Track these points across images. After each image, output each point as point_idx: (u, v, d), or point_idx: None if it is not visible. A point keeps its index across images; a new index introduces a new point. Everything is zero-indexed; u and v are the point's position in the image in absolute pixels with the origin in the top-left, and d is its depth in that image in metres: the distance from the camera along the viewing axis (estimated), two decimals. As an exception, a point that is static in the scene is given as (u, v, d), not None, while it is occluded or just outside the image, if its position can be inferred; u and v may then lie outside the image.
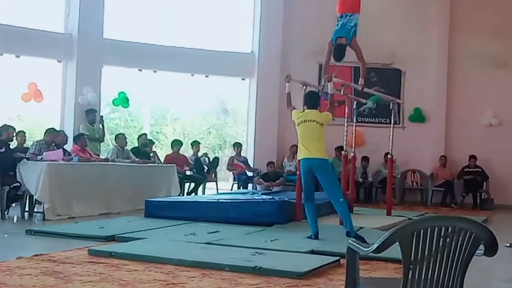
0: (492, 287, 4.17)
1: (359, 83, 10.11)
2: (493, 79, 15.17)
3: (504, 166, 14.65)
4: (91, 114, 13.20)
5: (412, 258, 3.13)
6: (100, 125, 13.51)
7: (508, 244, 8.87)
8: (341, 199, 8.19)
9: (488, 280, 5.69)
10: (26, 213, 9.92)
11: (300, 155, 8.32)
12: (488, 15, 15.22)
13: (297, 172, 10.12)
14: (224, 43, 15.68)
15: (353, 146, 12.01)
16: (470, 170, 15.10)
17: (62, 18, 14.06)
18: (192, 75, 15.74)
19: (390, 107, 12.35)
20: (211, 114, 21.92)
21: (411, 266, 3.14)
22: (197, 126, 22.35)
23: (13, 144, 10.70)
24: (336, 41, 9.44)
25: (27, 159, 9.98)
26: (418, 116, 15.57)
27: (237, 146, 15.47)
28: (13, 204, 10.12)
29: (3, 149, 9.96)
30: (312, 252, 7.00)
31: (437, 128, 15.65)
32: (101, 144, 13.45)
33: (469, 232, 3.15)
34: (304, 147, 8.16)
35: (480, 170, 15.05)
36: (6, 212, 9.73)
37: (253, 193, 12.25)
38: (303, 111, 8.48)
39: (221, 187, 14.98)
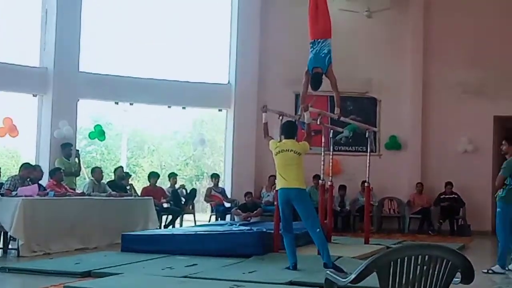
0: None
1: (335, 112, 10.17)
2: (467, 106, 15.33)
3: (480, 192, 14.75)
4: (67, 148, 13.10)
5: (390, 286, 3.12)
6: (76, 159, 13.40)
7: (485, 270, 8.89)
8: (318, 230, 8.15)
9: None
10: (0, 250, 9.78)
11: (278, 185, 8.32)
12: (462, 44, 15.44)
13: (275, 203, 10.12)
14: (200, 74, 15.70)
15: (330, 174, 12.01)
16: (447, 196, 15.16)
17: (38, 52, 14.01)
18: (169, 107, 15.73)
19: (366, 136, 12.42)
20: (189, 145, 21.91)
21: (389, 297, 3.13)
22: (175, 158, 22.35)
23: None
24: (312, 70, 9.51)
25: (2, 195, 9.88)
26: (394, 144, 15.64)
27: (215, 177, 15.46)
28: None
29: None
30: (291, 283, 6.97)
31: (413, 156, 15.72)
32: (77, 178, 13.33)
33: (446, 260, 3.15)
34: (282, 177, 8.15)
35: (456, 196, 15.12)
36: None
37: (231, 224, 12.24)
38: (280, 141, 8.47)
39: (199, 219, 14.93)
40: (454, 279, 3.20)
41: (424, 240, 13.23)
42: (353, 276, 3.30)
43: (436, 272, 3.14)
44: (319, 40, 9.65)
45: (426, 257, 3.13)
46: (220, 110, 16.28)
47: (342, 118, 10.70)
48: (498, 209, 9.17)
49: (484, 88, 15.13)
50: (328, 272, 3.68)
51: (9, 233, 9.57)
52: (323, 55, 9.55)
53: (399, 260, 3.11)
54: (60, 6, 13.86)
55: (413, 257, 3.12)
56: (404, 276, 3.11)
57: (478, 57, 15.20)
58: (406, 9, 15.89)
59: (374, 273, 3.13)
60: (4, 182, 10.78)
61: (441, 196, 15.23)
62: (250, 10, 15.65)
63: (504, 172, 8.89)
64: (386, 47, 15.80)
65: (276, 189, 8.61)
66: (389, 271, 3.10)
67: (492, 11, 15.29)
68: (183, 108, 15.99)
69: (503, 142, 9.44)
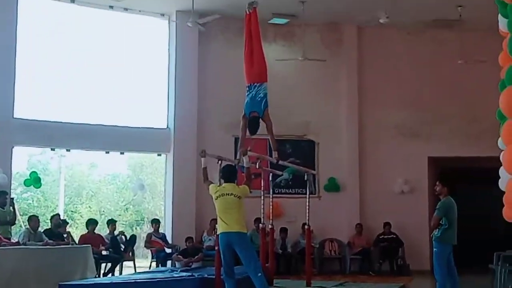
0: None
1: (273, 156, 10.23)
2: (403, 148, 15.64)
3: (418, 231, 14.98)
4: (1, 196, 12.74)
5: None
6: (11, 207, 13.04)
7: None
8: (260, 274, 8.15)
9: None
10: None
11: (219, 229, 8.30)
12: (396, 87, 15.83)
13: (216, 247, 10.06)
14: (138, 119, 15.64)
15: (271, 217, 12.01)
16: (385, 237, 15.33)
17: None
18: (107, 152, 15.55)
19: (305, 178, 12.52)
20: (128, 190, 21.70)
21: None
22: (114, 203, 22.08)
23: None
24: (249, 114, 9.55)
25: None
26: (333, 186, 15.77)
27: (155, 222, 15.29)
28: None
29: None
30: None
31: (351, 197, 15.89)
32: (13, 226, 12.96)
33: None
34: (222, 221, 8.14)
35: (395, 236, 15.30)
36: None
37: (172, 271, 12.02)
38: (220, 184, 8.47)
39: (140, 265, 14.69)
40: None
41: (365, 280, 13.29)
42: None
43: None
44: (255, 84, 9.67)
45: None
46: (159, 155, 16.24)
47: (281, 162, 10.75)
48: (434, 249, 9.32)
49: (417, 130, 15.49)
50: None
51: None
52: (259, 99, 9.57)
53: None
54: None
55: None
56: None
57: (411, 100, 15.60)
58: (341, 54, 16.24)
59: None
60: None
61: (380, 236, 15.40)
62: (187, 55, 15.72)
63: (438, 212, 9.09)
64: (322, 91, 16.07)
65: (217, 233, 8.57)
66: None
67: (422, 58, 15.77)
68: (121, 153, 15.88)
69: (437, 183, 9.65)
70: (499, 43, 5.60)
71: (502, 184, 4.99)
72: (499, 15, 5.26)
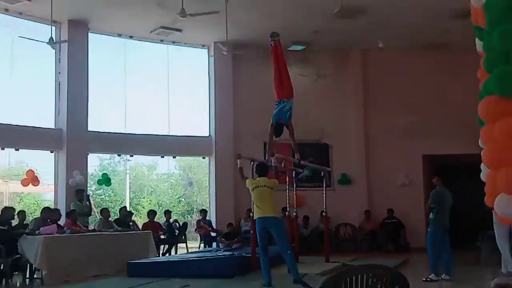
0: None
1: (295, 157, 10.27)
2: (402, 147, 15.49)
3: (415, 216, 14.78)
4: (80, 193, 13.05)
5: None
6: (88, 202, 13.31)
7: (424, 278, 8.97)
8: (289, 252, 8.21)
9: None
10: (27, 280, 9.65)
11: (256, 215, 8.36)
12: (395, 96, 15.72)
13: (251, 231, 10.12)
14: (187, 129, 15.79)
15: (295, 207, 12.08)
16: (389, 221, 15.32)
17: (53, 115, 13.99)
18: (162, 156, 15.75)
19: (322, 174, 12.56)
20: (180, 186, 21.83)
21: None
22: (169, 197, 22.21)
23: (14, 222, 10.46)
24: (276, 122, 9.67)
25: (27, 234, 9.80)
26: (345, 180, 15.73)
27: (203, 211, 15.44)
28: (16, 273, 9.80)
29: (6, 227, 9.82)
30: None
31: (360, 189, 15.83)
32: (89, 217, 13.18)
33: (387, 277, 3.18)
34: (259, 208, 8.22)
35: (397, 220, 15.28)
36: (9, 280, 9.47)
37: (217, 251, 12.16)
38: (255, 179, 8.56)
39: (191, 247, 14.77)
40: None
41: (373, 257, 13.26)
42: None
43: (379, 287, 3.17)
44: (283, 100, 9.83)
45: (371, 274, 3.16)
46: (203, 158, 16.36)
47: (302, 161, 10.79)
48: (428, 229, 9.34)
49: (413, 133, 15.36)
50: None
51: (34, 265, 9.49)
52: (285, 111, 9.72)
53: (348, 279, 3.14)
54: (71, 79, 13.91)
55: (359, 275, 3.15)
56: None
57: (407, 108, 15.45)
58: (348, 73, 16.24)
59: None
60: (29, 223, 10.73)
61: (385, 221, 15.39)
62: (224, 77, 15.82)
63: (430, 200, 9.17)
64: (334, 103, 16.06)
65: (254, 218, 8.60)
66: (341, 287, 3.13)
67: (417, 70, 15.65)
68: (174, 157, 16.08)
69: (435, 177, 9.70)
70: (477, 61, 5.58)
71: (483, 176, 4.97)
72: (476, 38, 5.25)
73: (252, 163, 9.83)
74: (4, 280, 9.40)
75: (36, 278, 9.58)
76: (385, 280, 3.21)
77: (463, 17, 11.80)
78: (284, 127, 9.73)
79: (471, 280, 8.80)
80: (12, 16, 13.20)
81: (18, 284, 9.44)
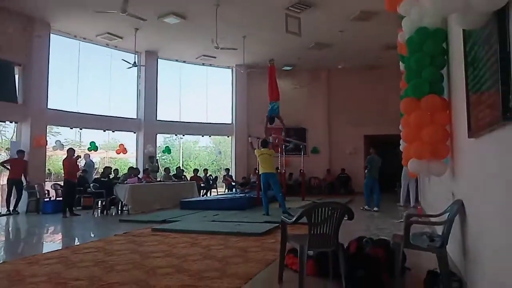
0: (354, 233, 4.19)
1: (282, 135, 10.33)
2: (351, 130, 15.39)
3: (358, 173, 14.74)
4: (151, 158, 13.11)
5: (312, 223, 3.14)
6: (156, 163, 13.37)
7: (362, 208, 9.04)
8: (281, 194, 8.22)
9: (353, 230, 5.70)
10: (119, 211, 9.78)
11: (261, 171, 8.34)
12: (347, 100, 15.60)
13: (256, 182, 10.14)
14: (218, 118, 15.70)
15: (284, 166, 12.08)
16: (342, 175, 15.26)
17: (135, 110, 13.99)
18: (202, 135, 15.76)
19: (301, 147, 12.51)
20: (213, 154, 21.86)
21: (312, 227, 3.15)
22: (206, 160, 22.29)
23: (111, 176, 10.58)
24: (270, 115, 9.74)
25: (119, 183, 9.91)
26: (315, 150, 15.63)
27: (227, 170, 15.44)
28: (113, 207, 9.93)
29: (107, 179, 9.90)
30: (266, 222, 6.98)
31: (324, 156, 15.74)
32: (157, 173, 13.28)
33: (339, 209, 3.18)
34: (263, 167, 8.23)
35: (347, 175, 15.22)
36: (108, 210, 9.60)
37: (235, 193, 12.23)
38: (260, 149, 8.54)
39: (220, 191, 14.86)
40: (344, 218, 3.23)
41: (332, 197, 13.18)
42: (294, 219, 3.32)
43: (335, 215, 3.17)
44: (273, 101, 9.90)
45: (331, 207, 3.16)
46: (228, 136, 16.30)
47: (288, 138, 10.80)
48: (365, 180, 9.41)
49: (358, 121, 15.27)
50: (282, 216, 3.70)
51: (123, 202, 9.59)
52: (275, 108, 9.90)
53: (317, 209, 3.14)
54: (147, 88, 13.88)
55: (324, 208, 3.15)
56: (319, 217, 3.14)
57: (355, 107, 15.35)
58: (319, 84, 16.04)
59: (304, 216, 3.16)
60: (120, 176, 10.80)
61: (339, 175, 15.31)
62: (241, 87, 15.76)
63: (366, 162, 9.33)
64: (309, 102, 15.89)
65: (259, 173, 8.57)
66: (312, 215, 3.13)
67: (361, 82, 15.41)
68: (209, 136, 16.06)
69: (371, 148, 9.68)
70: (400, 75, 5.49)
71: (401, 148, 4.92)
72: (400, 62, 5.16)
73: (258, 139, 9.81)
74: (105, 210, 9.53)
75: (124, 210, 9.73)
76: (339, 211, 3.20)
77: (391, 48, 11.65)
78: (276, 118, 9.82)
79: (391, 211, 8.80)
80: (110, 48, 13.13)
81: (114, 214, 9.55)
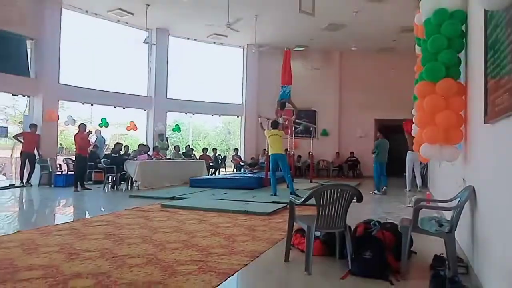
0: (361, 215, 4.20)
1: (293, 117, 10.24)
2: (362, 113, 15.27)
3: (366, 156, 14.57)
4: (161, 136, 13.14)
5: (320, 204, 3.14)
6: (166, 141, 13.42)
7: (371, 192, 9.02)
8: (289, 175, 8.24)
9: (360, 213, 5.71)
10: (129, 187, 9.89)
11: (270, 152, 8.33)
12: (358, 82, 15.40)
13: (265, 163, 10.16)
14: (228, 98, 15.62)
15: (293, 148, 12.06)
16: (351, 158, 15.19)
17: (146, 88, 13.97)
18: (212, 115, 15.71)
19: (311, 129, 12.44)
20: (222, 134, 21.90)
21: (320, 208, 3.15)
22: (216, 140, 22.34)
23: (122, 152, 10.70)
24: (281, 99, 9.67)
25: (130, 159, 9.99)
26: (325, 133, 15.57)
27: (236, 150, 15.48)
28: (123, 182, 10.05)
29: (117, 155, 9.98)
30: (273, 202, 7.02)
31: (334, 139, 15.66)
32: (167, 151, 13.37)
33: (349, 191, 3.17)
34: (272, 148, 8.22)
35: (355, 158, 15.16)
36: (119, 186, 9.74)
37: (244, 173, 12.29)
38: (270, 130, 8.49)
39: (228, 171, 14.95)
40: (353, 200, 3.23)
41: (340, 180, 13.26)
42: (302, 199, 3.33)
43: (344, 197, 3.17)
44: (285, 85, 9.81)
45: (340, 189, 3.16)
46: (238, 117, 16.24)
47: (298, 120, 10.73)
48: (374, 164, 9.35)
49: (369, 105, 15.11)
50: (291, 197, 3.71)
51: (133, 178, 9.69)
52: (286, 93, 9.77)
53: (325, 191, 3.13)
54: (158, 66, 13.82)
55: (333, 189, 3.14)
56: (328, 199, 3.14)
57: (366, 89, 15.16)
58: (331, 66, 15.80)
59: (313, 197, 3.16)
60: (131, 152, 10.89)
61: (348, 158, 15.25)
62: (252, 66, 15.57)
63: (374, 146, 9.16)
64: (320, 84, 15.69)
65: (269, 154, 8.56)
66: (320, 197, 3.13)
67: (373, 65, 15.19)
68: (219, 115, 16.00)
69: (378, 132, 9.59)
70: (415, 59, 5.36)
71: (414, 133, 4.86)
72: (416, 45, 5.03)
73: (268, 120, 9.77)
74: (115, 186, 9.66)
75: (134, 186, 9.85)
76: (348, 193, 3.20)
77: (407, 31, 11.36)
78: (287, 103, 9.77)
79: (399, 196, 8.79)
80: (121, 24, 13.02)
81: (123, 189, 9.69)
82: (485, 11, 2.67)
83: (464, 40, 3.52)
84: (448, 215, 3.46)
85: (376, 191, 9.07)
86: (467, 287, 2.59)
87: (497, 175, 2.44)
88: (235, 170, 14.81)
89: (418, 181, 9.62)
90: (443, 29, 3.41)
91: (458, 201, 3.11)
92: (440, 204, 4.02)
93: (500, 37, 2.38)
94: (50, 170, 10.18)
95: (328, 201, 3.12)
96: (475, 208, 3.01)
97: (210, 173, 13.54)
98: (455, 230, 3.02)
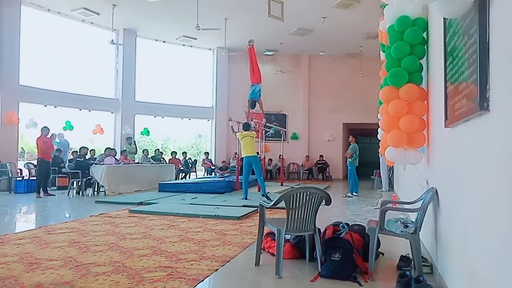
0: (330, 218, 4.25)
1: (263, 121, 10.27)
2: (330, 118, 15.58)
3: (336, 160, 15.09)
4: (129, 139, 12.83)
5: (290, 207, 3.15)
6: (134, 145, 13.11)
7: (344, 195, 9.18)
8: (261, 177, 8.26)
9: (329, 215, 5.80)
10: (95, 192, 9.62)
11: (243, 154, 8.31)
12: (327, 87, 15.69)
13: (236, 166, 10.12)
14: (198, 101, 15.50)
15: (264, 152, 12.10)
16: (320, 162, 15.41)
17: (113, 90, 13.60)
18: (182, 118, 15.48)
19: (281, 132, 12.53)
20: (193, 137, 21.63)
21: (290, 211, 3.16)
22: (186, 143, 22.04)
23: (87, 156, 10.34)
24: (251, 99, 9.61)
25: (96, 163, 9.68)
26: (295, 136, 15.75)
27: (206, 153, 15.39)
28: (88, 188, 9.73)
29: (82, 159, 9.65)
30: (244, 206, 7.02)
31: (303, 142, 15.86)
32: (135, 155, 13.06)
33: (318, 194, 3.20)
34: (245, 150, 8.20)
35: (325, 162, 15.39)
36: (84, 191, 9.43)
37: (215, 177, 12.18)
38: (242, 132, 8.47)
39: (199, 175, 14.80)
40: (322, 203, 3.26)
41: (309, 183, 13.45)
42: (272, 203, 3.33)
43: (313, 200, 3.19)
44: (255, 84, 9.74)
45: (309, 192, 3.18)
46: (208, 120, 16.13)
47: (268, 124, 10.77)
48: (349, 168, 9.50)
49: (337, 109, 15.42)
50: (261, 200, 3.71)
51: (99, 183, 9.42)
52: (256, 91, 9.70)
53: (295, 194, 3.15)
54: (125, 68, 13.49)
55: (302, 192, 3.16)
56: (297, 201, 3.15)
57: (334, 94, 15.49)
58: (300, 70, 16.01)
59: (283, 200, 3.17)
60: (97, 157, 10.56)
61: (317, 162, 15.47)
62: (222, 70, 15.54)
63: (352, 150, 9.27)
64: (290, 88, 15.88)
65: (242, 157, 8.53)
66: (290, 200, 3.14)
67: (341, 70, 15.56)
68: (189, 119, 15.82)
69: (350, 137, 9.79)
70: (380, 65, 5.52)
71: (379, 136, 4.99)
72: (380, 51, 5.17)
73: (238, 124, 9.75)
74: (81, 191, 9.35)
75: (101, 191, 9.56)
76: (317, 196, 3.22)
77: (372, 37, 11.70)
78: (256, 102, 9.70)
79: (369, 197, 9.00)
80: (87, 24, 12.61)
81: (90, 195, 9.37)
82: (444, 19, 2.78)
83: (425, 47, 3.66)
84: (413, 216, 3.56)
85: (350, 194, 9.26)
86: (432, 286, 2.67)
87: (457, 177, 2.54)
88: (205, 174, 14.68)
89: (385, 183, 9.92)
90: (406, 36, 3.53)
91: (422, 203, 3.21)
92: (405, 206, 4.14)
93: (457, 44, 2.48)
94: (10, 176, 9.68)
95: (297, 204, 3.14)
96: (438, 209, 3.12)
97: (180, 177, 13.32)
98: (420, 231, 3.11)
